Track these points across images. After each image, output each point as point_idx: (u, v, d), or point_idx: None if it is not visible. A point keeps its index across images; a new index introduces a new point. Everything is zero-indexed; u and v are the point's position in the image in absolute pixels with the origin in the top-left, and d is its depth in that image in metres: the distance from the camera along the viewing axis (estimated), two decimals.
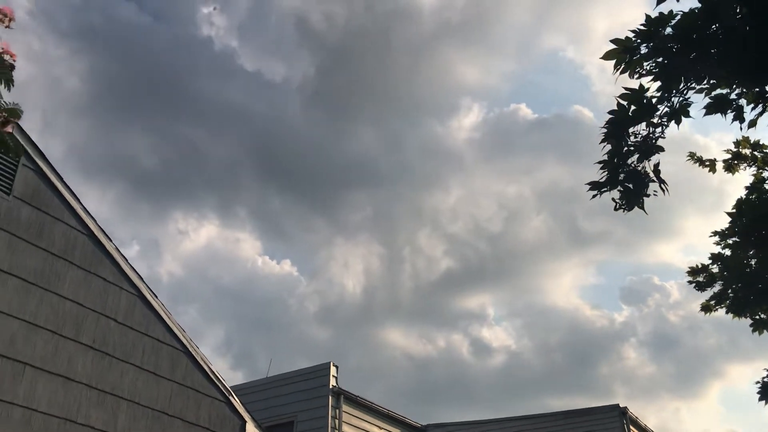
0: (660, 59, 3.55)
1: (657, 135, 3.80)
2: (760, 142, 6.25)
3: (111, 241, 9.34)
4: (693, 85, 3.63)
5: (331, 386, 15.90)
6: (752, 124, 4.02)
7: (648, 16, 3.55)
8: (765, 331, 6.65)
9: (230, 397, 10.55)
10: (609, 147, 3.81)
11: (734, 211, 6.10)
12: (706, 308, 6.42)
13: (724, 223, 6.20)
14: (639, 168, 3.86)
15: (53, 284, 8.41)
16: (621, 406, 19.12)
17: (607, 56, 3.69)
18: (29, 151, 8.48)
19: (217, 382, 10.42)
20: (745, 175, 6.20)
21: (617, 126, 3.77)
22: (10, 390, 7.66)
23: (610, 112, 3.80)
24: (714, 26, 3.35)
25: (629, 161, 3.84)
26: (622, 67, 3.67)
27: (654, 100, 3.73)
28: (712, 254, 5.83)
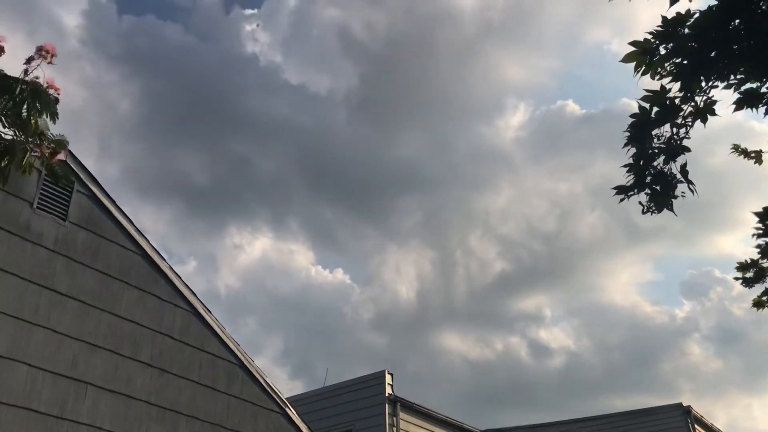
0: (678, 60, 3.52)
1: (682, 136, 3.76)
2: None
3: (164, 259, 9.61)
4: (716, 84, 3.59)
5: (387, 394, 15.98)
6: None
7: (664, 18, 3.52)
8: None
9: (286, 409, 10.72)
10: (633, 150, 3.79)
11: None
12: (759, 304, 6.26)
13: None
14: (665, 170, 3.83)
15: (110, 305, 8.70)
16: (684, 404, 18.67)
17: (626, 59, 3.67)
18: (82, 176, 8.81)
19: (273, 394, 10.60)
20: None
21: (640, 129, 3.74)
22: (75, 409, 7.95)
23: (631, 116, 3.78)
24: (735, 22, 3.31)
25: (655, 163, 3.81)
26: (642, 69, 3.65)
27: (677, 101, 3.69)
28: (759, 246, 5.66)
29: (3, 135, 4.74)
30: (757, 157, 6.04)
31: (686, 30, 3.45)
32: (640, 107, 3.76)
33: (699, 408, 18.81)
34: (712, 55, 3.42)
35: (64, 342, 8.07)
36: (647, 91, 3.72)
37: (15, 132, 4.74)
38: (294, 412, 10.89)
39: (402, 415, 16.12)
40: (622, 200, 3.87)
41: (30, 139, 4.81)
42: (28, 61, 4.62)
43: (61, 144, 4.94)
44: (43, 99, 4.67)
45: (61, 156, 7.83)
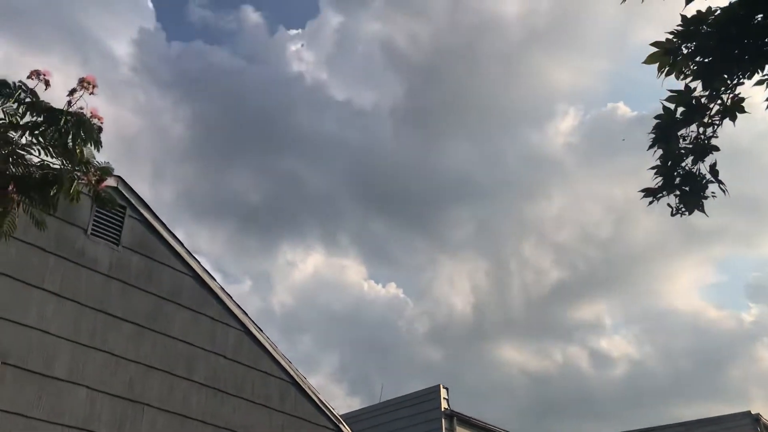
0: (699, 59, 3.46)
1: (709, 135, 3.68)
2: None
3: (215, 280, 9.80)
4: (742, 80, 3.50)
5: (443, 409, 15.89)
6: None
7: (684, 16, 3.46)
8: None
9: (340, 425, 10.76)
10: (660, 152, 3.72)
11: None
12: None
13: None
14: (694, 170, 3.75)
15: (164, 326, 8.92)
16: (754, 412, 18.03)
17: (649, 60, 3.62)
18: (133, 202, 9.07)
19: (326, 411, 10.65)
20: None
21: (665, 130, 3.67)
22: (133, 430, 8.15)
23: (656, 117, 3.71)
24: (759, 17, 3.23)
25: (683, 164, 3.73)
26: (666, 69, 3.59)
27: (704, 100, 3.62)
28: None
29: (51, 165, 4.93)
30: None
31: (706, 28, 3.39)
32: (665, 108, 3.69)
33: None
34: (735, 52, 3.36)
35: (120, 364, 8.30)
36: (671, 91, 3.66)
37: (62, 161, 4.91)
38: (348, 429, 10.92)
39: (459, 429, 15.99)
40: (651, 203, 3.80)
41: (76, 168, 4.97)
42: (71, 92, 4.79)
43: (106, 171, 5.11)
44: (87, 128, 4.82)
45: (111, 182, 8.09)
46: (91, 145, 4.88)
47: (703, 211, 3.76)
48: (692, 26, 3.44)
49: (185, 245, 9.56)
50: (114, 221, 8.80)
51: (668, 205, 3.80)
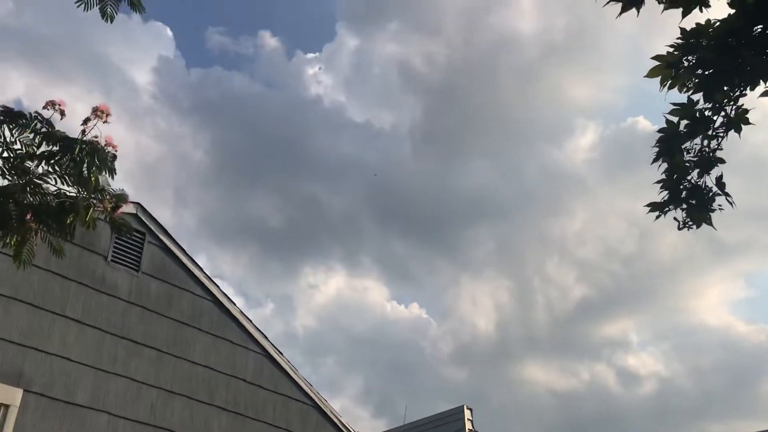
0: (700, 71, 3.44)
1: (714, 147, 3.65)
2: None
3: (235, 304, 9.84)
4: (745, 92, 3.47)
5: (467, 429, 15.73)
6: None
7: (683, 29, 3.45)
8: None
9: None
10: (665, 166, 3.69)
11: None
12: None
13: None
14: (700, 183, 3.71)
15: (184, 351, 8.96)
16: None
17: (651, 74, 3.60)
18: (152, 228, 9.17)
19: None
20: None
21: (669, 143, 3.65)
22: None
23: (659, 131, 3.69)
24: (758, 28, 3.21)
25: (689, 177, 3.71)
26: (669, 83, 3.57)
27: (707, 112, 3.59)
28: None
29: (67, 193, 5.01)
30: None
31: (704, 41, 3.37)
32: (668, 121, 3.67)
33: None
34: (736, 63, 3.34)
35: (141, 390, 8.35)
36: (674, 104, 3.64)
37: (78, 190, 4.99)
38: None
39: None
40: (657, 217, 3.77)
41: (92, 196, 5.04)
42: (86, 121, 4.87)
43: (121, 198, 5.18)
44: (101, 156, 4.88)
45: (130, 209, 8.20)
46: (105, 173, 4.95)
47: (710, 224, 3.73)
48: (692, 39, 3.43)
49: (205, 270, 9.64)
50: (133, 247, 8.90)
51: (675, 219, 3.77)
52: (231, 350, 9.57)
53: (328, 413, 10.43)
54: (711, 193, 3.71)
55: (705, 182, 3.71)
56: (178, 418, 8.61)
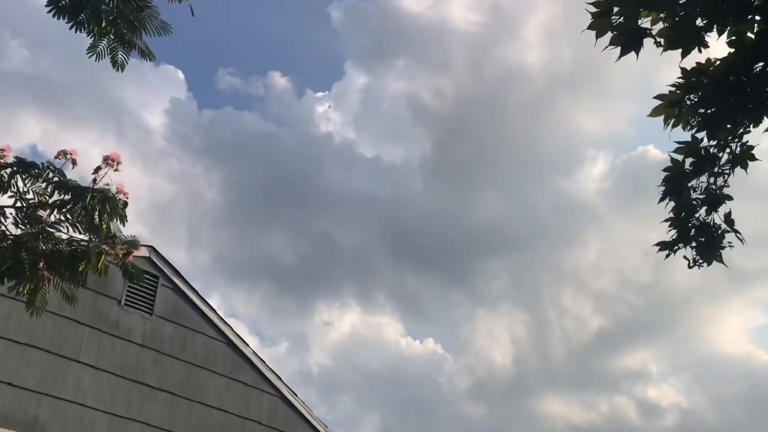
0: (702, 110, 3.43)
1: (721, 185, 3.63)
2: None
3: (248, 345, 9.82)
4: (749, 129, 3.46)
5: None
6: None
7: (683, 69, 3.46)
8: None
9: None
10: (672, 204, 3.67)
11: None
12: None
13: None
14: (709, 220, 3.68)
15: (199, 394, 8.93)
16: None
17: (654, 113, 3.60)
18: (166, 271, 9.21)
19: None
20: None
21: (675, 182, 3.64)
22: None
23: (665, 169, 3.68)
24: (758, 66, 3.21)
25: (697, 215, 3.68)
26: (672, 121, 3.57)
27: (712, 150, 3.58)
28: None
29: (79, 241, 5.05)
30: None
31: (705, 80, 3.38)
32: (673, 160, 3.66)
33: None
34: (739, 100, 3.33)
35: None
36: (678, 142, 3.64)
37: (90, 237, 5.02)
38: None
39: None
40: (667, 256, 3.74)
41: (103, 243, 5.07)
42: (96, 170, 4.92)
43: (132, 244, 5.21)
44: (112, 204, 4.92)
45: (143, 252, 8.23)
46: (116, 220, 4.99)
47: (721, 261, 3.69)
48: (693, 78, 3.44)
49: (218, 310, 9.66)
50: (147, 291, 8.93)
51: (684, 257, 3.74)
52: (245, 392, 9.52)
53: None
54: (720, 231, 3.68)
55: (713, 220, 3.68)
56: None
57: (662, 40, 3.49)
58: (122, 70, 4.91)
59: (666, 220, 3.74)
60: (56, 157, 4.88)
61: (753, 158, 3.58)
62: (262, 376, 9.79)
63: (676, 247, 3.75)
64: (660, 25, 3.48)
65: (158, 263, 9.12)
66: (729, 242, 3.66)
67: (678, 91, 3.54)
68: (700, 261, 3.73)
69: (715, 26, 3.35)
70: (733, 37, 3.36)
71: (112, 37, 4.62)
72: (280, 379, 10.01)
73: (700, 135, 3.60)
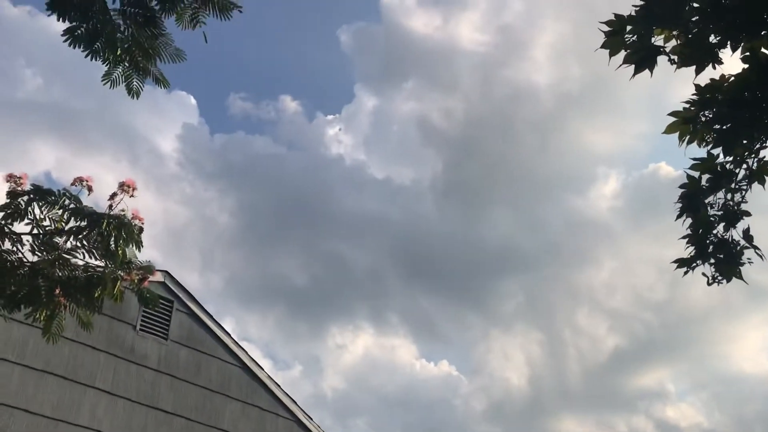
0: (717, 126, 3.43)
1: (738, 201, 3.60)
2: None
3: (263, 369, 9.79)
4: (765, 144, 3.45)
5: None
6: None
7: (697, 85, 3.46)
8: None
9: None
10: (689, 221, 3.65)
11: None
12: None
13: None
14: (727, 237, 3.66)
15: (214, 419, 8.90)
16: None
17: (668, 130, 3.60)
18: (180, 295, 9.22)
19: None
20: None
21: (692, 198, 3.62)
22: None
23: (681, 186, 3.66)
24: None
25: (715, 231, 3.65)
26: (687, 138, 3.56)
27: (729, 166, 3.56)
28: None
29: (95, 267, 5.07)
30: None
31: (720, 96, 3.37)
32: (689, 177, 3.65)
33: None
34: (755, 115, 3.32)
35: None
36: (694, 159, 3.63)
37: (105, 263, 5.04)
38: None
39: None
40: (686, 273, 3.71)
41: (119, 269, 5.08)
42: (112, 196, 4.95)
43: (148, 270, 5.23)
44: (128, 230, 4.94)
45: (158, 277, 8.25)
46: (132, 246, 5.01)
47: (740, 278, 3.65)
48: (707, 94, 3.44)
49: (233, 335, 9.64)
50: (162, 316, 8.94)
51: (703, 274, 3.70)
52: (260, 416, 9.47)
53: None
54: (739, 247, 3.65)
55: (731, 236, 3.65)
56: None
57: (676, 58, 3.49)
58: (137, 97, 4.96)
59: (683, 237, 3.71)
60: (72, 184, 4.91)
61: None
62: (277, 400, 9.75)
63: (695, 264, 3.72)
64: (673, 43, 3.49)
65: (173, 288, 9.14)
66: (748, 258, 3.63)
67: (692, 108, 3.54)
68: (720, 278, 3.69)
69: (728, 42, 3.35)
70: (747, 53, 3.36)
71: (127, 64, 4.67)
72: (295, 402, 9.97)
73: (715, 151, 3.59)
